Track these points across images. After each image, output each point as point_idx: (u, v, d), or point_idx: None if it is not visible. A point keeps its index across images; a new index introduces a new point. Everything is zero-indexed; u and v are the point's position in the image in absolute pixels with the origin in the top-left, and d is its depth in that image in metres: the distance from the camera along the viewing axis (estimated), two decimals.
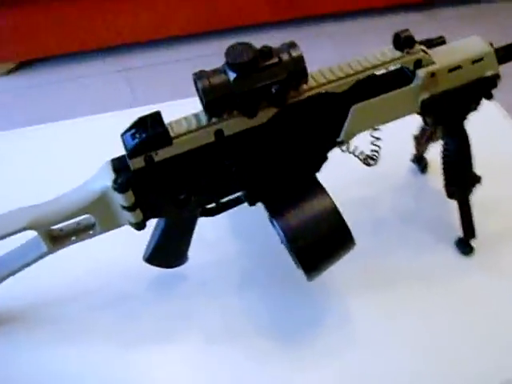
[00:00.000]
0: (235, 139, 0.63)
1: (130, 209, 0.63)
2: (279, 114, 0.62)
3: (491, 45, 0.68)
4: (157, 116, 0.60)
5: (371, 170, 0.74)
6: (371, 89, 0.64)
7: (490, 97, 0.70)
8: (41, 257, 0.65)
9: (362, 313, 0.74)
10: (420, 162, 0.91)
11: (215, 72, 0.58)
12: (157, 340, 0.72)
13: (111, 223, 0.65)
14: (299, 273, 0.65)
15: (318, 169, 0.68)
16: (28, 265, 0.66)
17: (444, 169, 0.76)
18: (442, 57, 0.65)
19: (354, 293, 0.76)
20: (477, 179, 0.77)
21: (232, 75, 0.57)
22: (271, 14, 2.02)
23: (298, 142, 0.66)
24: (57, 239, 0.65)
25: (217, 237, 0.82)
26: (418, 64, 0.64)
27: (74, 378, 0.69)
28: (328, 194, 0.64)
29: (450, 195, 0.77)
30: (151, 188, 0.63)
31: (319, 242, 0.64)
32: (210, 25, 1.99)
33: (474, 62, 0.66)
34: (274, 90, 0.58)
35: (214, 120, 0.61)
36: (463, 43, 0.68)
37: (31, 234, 0.64)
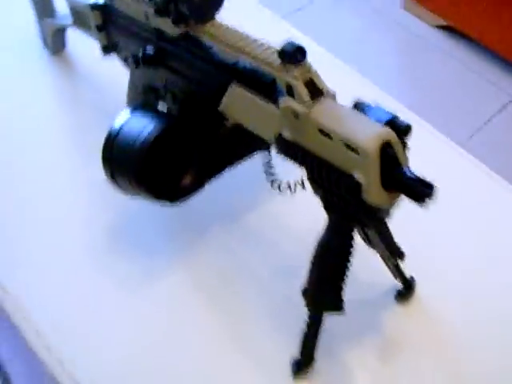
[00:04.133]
0: (158, 33, 0.66)
1: (96, 28, 0.74)
2: (187, 39, 0.62)
3: (390, 150, 0.47)
4: None
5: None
6: (257, 83, 0.56)
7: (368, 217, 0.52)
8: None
9: None
10: (403, 282, 0.69)
11: None
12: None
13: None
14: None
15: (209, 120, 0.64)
16: None
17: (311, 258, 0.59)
18: (324, 111, 0.50)
19: None
20: (332, 306, 0.59)
21: None
22: None
23: (191, 77, 0.64)
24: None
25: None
26: (290, 91, 0.51)
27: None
28: (157, 132, 0.61)
29: (304, 295, 0.61)
30: (111, 26, 0.73)
31: (119, 150, 0.64)
32: None
33: (347, 146, 0.48)
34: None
35: (145, 0, 0.64)
36: (365, 123, 0.49)
37: None
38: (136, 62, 0.69)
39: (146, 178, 0.62)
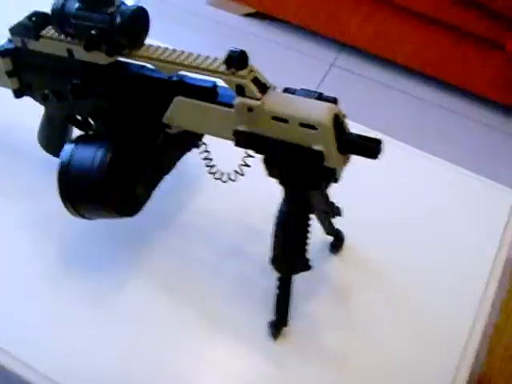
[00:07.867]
0: (83, 65, 0.69)
1: (7, 74, 0.75)
2: (115, 64, 0.66)
3: (338, 121, 0.57)
4: (44, 15, 0.69)
5: None
6: (200, 92, 0.63)
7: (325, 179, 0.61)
8: None
9: None
10: (335, 235, 0.81)
11: None
12: None
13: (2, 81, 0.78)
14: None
15: (143, 139, 0.69)
16: None
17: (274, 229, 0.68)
18: (274, 101, 0.59)
19: None
20: (301, 267, 0.68)
21: (76, 5, 0.63)
22: None
23: (126, 99, 0.69)
24: None
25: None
26: (241, 91, 0.59)
27: None
28: (110, 154, 0.66)
29: (272, 264, 0.69)
30: (25, 69, 0.74)
31: (77, 181, 0.67)
32: None
33: (303, 125, 0.58)
34: (93, 33, 0.62)
35: (68, 38, 0.67)
36: (311, 103, 0.59)
37: None
38: (58, 96, 0.73)
39: (109, 198, 0.67)
